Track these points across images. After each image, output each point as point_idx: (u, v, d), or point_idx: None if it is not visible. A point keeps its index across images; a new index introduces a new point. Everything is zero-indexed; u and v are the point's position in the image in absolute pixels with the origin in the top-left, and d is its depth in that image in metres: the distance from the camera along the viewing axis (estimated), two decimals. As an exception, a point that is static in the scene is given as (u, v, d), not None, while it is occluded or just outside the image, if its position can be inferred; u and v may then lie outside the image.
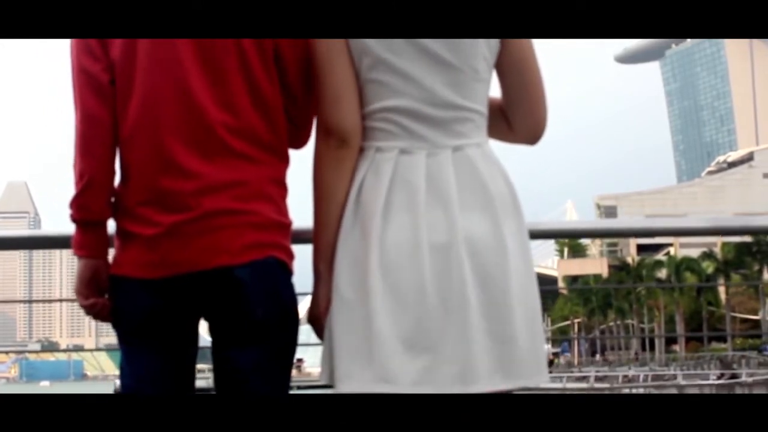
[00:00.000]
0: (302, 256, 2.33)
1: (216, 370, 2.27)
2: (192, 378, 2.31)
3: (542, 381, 2.17)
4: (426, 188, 2.11)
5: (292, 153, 2.35)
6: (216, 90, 2.18)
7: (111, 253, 2.33)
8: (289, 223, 2.26)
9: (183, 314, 2.24)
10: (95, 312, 2.28)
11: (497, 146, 2.34)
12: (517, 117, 2.30)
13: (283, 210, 2.25)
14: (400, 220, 2.10)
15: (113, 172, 2.25)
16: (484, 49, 2.18)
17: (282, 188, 2.27)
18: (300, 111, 2.32)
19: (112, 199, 2.27)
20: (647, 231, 3.86)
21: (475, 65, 2.18)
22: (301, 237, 2.32)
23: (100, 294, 2.28)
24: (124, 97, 2.21)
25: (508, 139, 2.34)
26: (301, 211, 2.33)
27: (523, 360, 2.11)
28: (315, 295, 2.22)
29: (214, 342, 2.26)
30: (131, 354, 2.26)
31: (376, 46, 2.15)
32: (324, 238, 2.18)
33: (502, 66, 2.25)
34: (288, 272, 2.25)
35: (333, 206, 2.17)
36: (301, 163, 2.34)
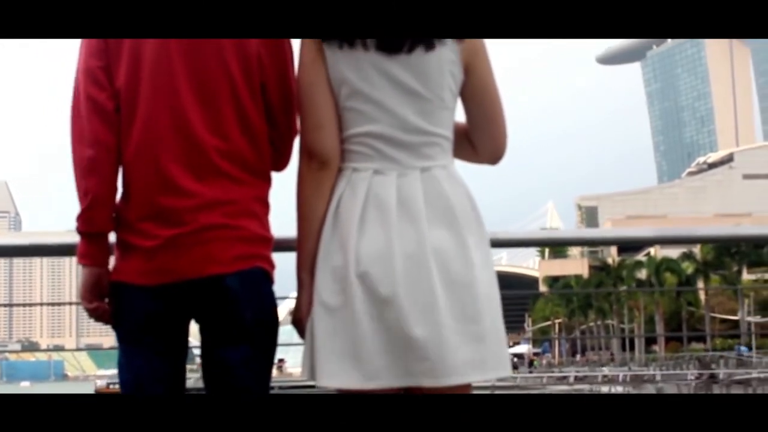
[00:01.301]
0: (281, 263, 2.59)
1: (205, 367, 2.51)
2: (183, 374, 2.56)
3: (507, 373, 2.44)
4: (397, 205, 2.36)
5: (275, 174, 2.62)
6: (209, 118, 2.44)
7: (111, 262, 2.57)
8: (271, 237, 2.53)
9: (177, 317, 2.48)
10: (98, 315, 2.52)
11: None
12: (480, 140, 2.55)
13: (266, 225, 2.52)
14: (374, 233, 2.34)
15: (116, 190, 2.50)
16: (450, 80, 2.43)
17: (265, 206, 2.54)
18: (282, 137, 2.59)
19: (114, 214, 2.51)
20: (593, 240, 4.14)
21: (441, 95, 2.42)
22: (280, 246, 2.59)
23: (102, 298, 2.51)
24: (127, 123, 2.45)
25: (472, 159, 2.59)
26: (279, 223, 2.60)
27: (492, 356, 2.37)
28: (298, 300, 2.47)
29: (204, 342, 2.51)
30: (129, 352, 2.50)
31: (353, 77, 2.39)
32: (306, 249, 2.43)
33: (465, 95, 2.49)
34: (270, 280, 2.52)
35: (314, 221, 2.42)
36: (282, 182, 2.60)
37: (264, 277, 2.49)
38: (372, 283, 2.31)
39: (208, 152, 2.43)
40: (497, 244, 3.63)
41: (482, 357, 2.35)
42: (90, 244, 2.49)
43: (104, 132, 2.44)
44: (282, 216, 2.57)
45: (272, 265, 2.52)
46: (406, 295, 2.30)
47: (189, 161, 2.42)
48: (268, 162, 2.55)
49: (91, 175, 2.45)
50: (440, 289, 2.31)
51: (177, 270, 2.40)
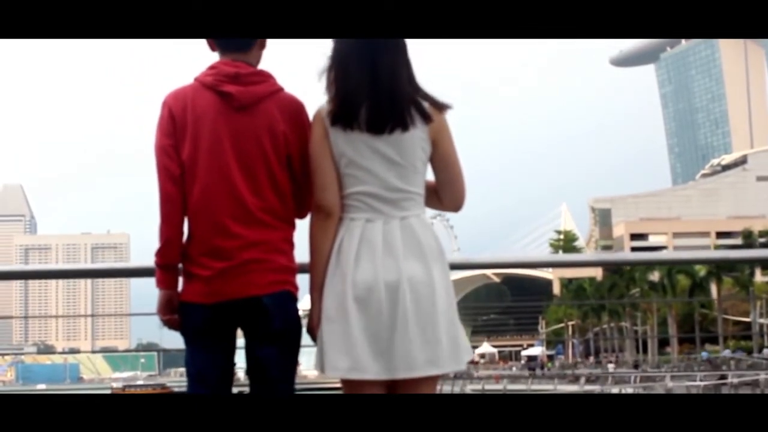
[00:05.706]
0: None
1: (247, 361, 3.39)
2: (233, 367, 3.45)
3: (461, 367, 3.32)
4: (382, 245, 3.22)
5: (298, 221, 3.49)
6: (250, 183, 3.32)
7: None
8: (296, 267, 3.40)
9: (227, 325, 3.37)
10: (170, 324, 3.42)
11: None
12: (444, 195, 3.40)
13: (291, 259, 3.41)
14: (366, 266, 3.20)
15: (182, 233, 3.39)
16: (421, 152, 3.26)
17: (291, 245, 3.43)
18: (303, 194, 3.45)
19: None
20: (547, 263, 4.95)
21: (414, 163, 3.26)
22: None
23: (173, 312, 3.41)
24: (190, 185, 3.34)
25: (439, 208, 3.45)
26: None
27: (446, 355, 3.22)
28: (311, 314, 3.34)
29: (246, 343, 3.39)
30: (193, 351, 3.40)
31: (349, 151, 3.24)
32: (316, 277, 3.31)
33: (433, 162, 3.33)
34: (295, 299, 3.40)
35: (322, 257, 3.28)
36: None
37: (290, 298, 3.36)
38: (364, 303, 3.16)
39: (250, 208, 3.30)
40: (509, 265, 4.72)
41: (438, 356, 3.19)
42: (164, 273, 3.40)
43: (174, 192, 3.33)
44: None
45: (296, 288, 3.39)
46: (387, 312, 3.15)
47: (236, 214, 3.30)
48: (292, 212, 3.42)
49: (165, 223, 3.35)
50: (410, 307, 3.15)
51: (227, 292, 3.28)
